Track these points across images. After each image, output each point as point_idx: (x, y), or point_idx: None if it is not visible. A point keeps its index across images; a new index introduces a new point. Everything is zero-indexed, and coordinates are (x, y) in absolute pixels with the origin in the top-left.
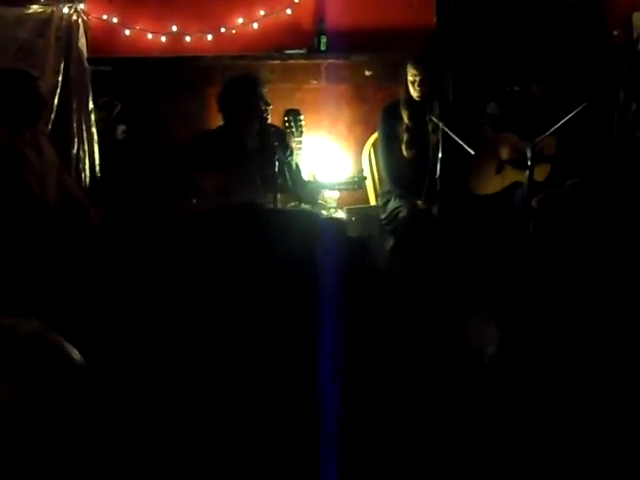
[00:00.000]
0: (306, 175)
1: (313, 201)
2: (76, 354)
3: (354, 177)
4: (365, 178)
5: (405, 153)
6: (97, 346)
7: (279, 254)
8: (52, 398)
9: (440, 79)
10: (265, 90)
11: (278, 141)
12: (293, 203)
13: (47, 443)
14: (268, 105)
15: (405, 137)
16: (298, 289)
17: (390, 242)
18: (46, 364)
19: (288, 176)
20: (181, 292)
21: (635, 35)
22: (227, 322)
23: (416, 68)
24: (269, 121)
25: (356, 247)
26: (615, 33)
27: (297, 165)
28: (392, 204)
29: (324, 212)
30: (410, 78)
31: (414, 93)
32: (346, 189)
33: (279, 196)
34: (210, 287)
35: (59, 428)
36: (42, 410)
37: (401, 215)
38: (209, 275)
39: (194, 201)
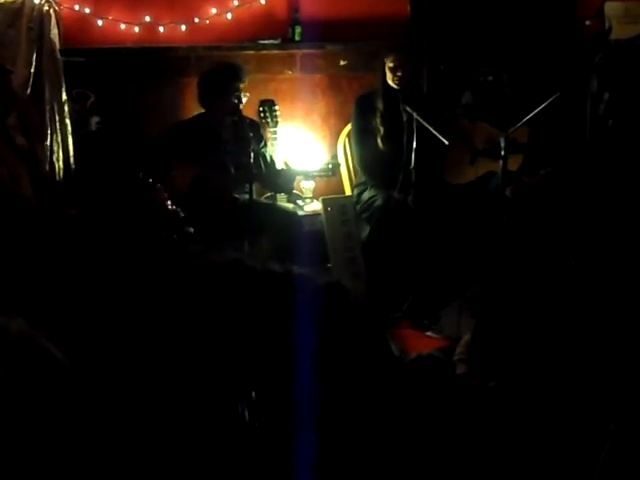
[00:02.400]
0: (280, 165)
1: (288, 190)
2: (58, 353)
3: (328, 164)
4: (339, 165)
5: (380, 144)
6: (70, 343)
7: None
8: (37, 397)
9: (415, 68)
10: (242, 83)
11: (253, 132)
12: (269, 194)
13: (31, 443)
14: (240, 101)
15: (380, 128)
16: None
17: (366, 230)
18: (33, 363)
19: (263, 167)
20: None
21: (607, 25)
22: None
23: (397, 53)
24: (243, 113)
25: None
26: (587, 23)
27: (271, 157)
28: (367, 194)
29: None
30: (390, 64)
31: (393, 80)
32: (320, 176)
33: (254, 186)
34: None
35: (42, 428)
36: (27, 410)
37: (376, 204)
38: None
39: (165, 194)
